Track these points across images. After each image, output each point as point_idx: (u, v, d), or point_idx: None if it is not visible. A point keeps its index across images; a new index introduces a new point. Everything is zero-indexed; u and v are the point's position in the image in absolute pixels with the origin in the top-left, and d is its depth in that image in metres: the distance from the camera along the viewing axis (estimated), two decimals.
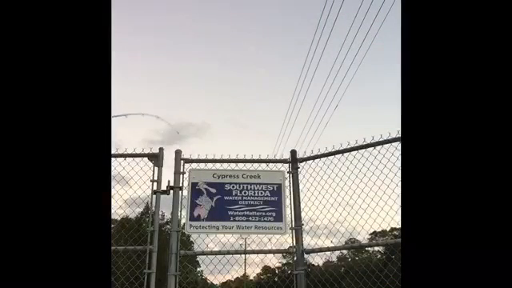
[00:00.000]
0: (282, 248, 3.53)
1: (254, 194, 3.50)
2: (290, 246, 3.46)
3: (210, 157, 3.64)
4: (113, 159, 3.51)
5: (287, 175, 3.64)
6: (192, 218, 3.39)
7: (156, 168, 3.54)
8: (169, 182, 3.53)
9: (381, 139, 3.39)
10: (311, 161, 3.66)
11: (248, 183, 3.53)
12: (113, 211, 3.49)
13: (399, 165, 3.17)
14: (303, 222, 3.49)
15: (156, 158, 3.57)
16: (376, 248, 28.03)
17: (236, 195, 3.49)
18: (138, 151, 3.63)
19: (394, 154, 3.31)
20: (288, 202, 3.52)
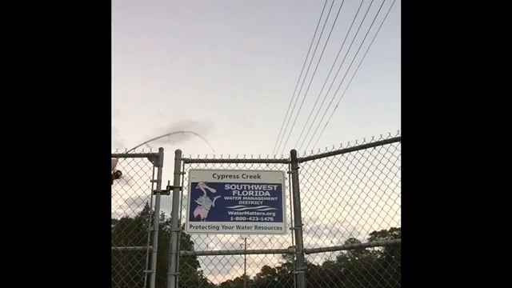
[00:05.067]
0: (282, 248, 3.53)
1: (254, 194, 3.50)
2: (290, 246, 3.46)
3: (210, 157, 3.64)
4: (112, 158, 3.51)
5: (287, 175, 3.64)
6: (192, 218, 3.39)
7: (156, 168, 3.55)
8: (169, 182, 3.53)
9: (381, 139, 3.40)
10: (311, 161, 3.67)
11: (248, 183, 3.54)
12: (113, 211, 3.49)
13: (399, 165, 3.18)
14: (303, 222, 3.49)
15: (156, 158, 3.57)
16: (376, 248, 28.05)
17: (236, 195, 3.49)
18: (138, 151, 3.63)
19: (393, 154, 3.32)
20: (288, 202, 3.53)
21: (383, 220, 3.29)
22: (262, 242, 3.49)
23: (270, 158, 3.70)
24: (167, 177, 3.57)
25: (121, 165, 3.59)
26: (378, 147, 3.42)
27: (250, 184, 3.53)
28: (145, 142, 3.64)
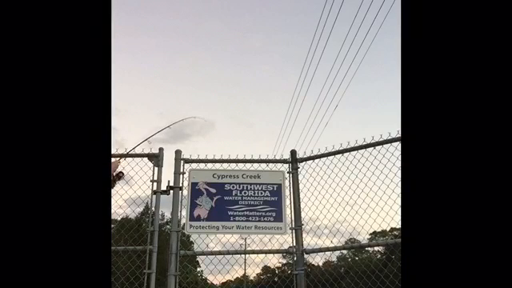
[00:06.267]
0: (282, 248, 3.53)
1: (254, 194, 3.50)
2: (290, 246, 3.46)
3: (211, 157, 3.64)
4: (112, 159, 3.51)
5: (287, 175, 3.64)
6: (192, 218, 3.39)
7: (156, 168, 3.55)
8: (169, 182, 3.53)
9: (381, 139, 3.39)
10: (311, 161, 3.67)
11: (248, 183, 3.53)
12: (113, 211, 3.49)
13: (399, 165, 3.18)
14: (303, 222, 3.49)
15: (156, 158, 3.57)
16: (376, 248, 28.04)
17: (236, 195, 3.49)
18: (138, 151, 3.63)
19: (393, 154, 3.32)
20: (288, 202, 3.53)
21: (383, 220, 3.29)
22: (262, 242, 3.49)
23: (270, 157, 3.70)
24: (167, 177, 3.57)
25: (121, 165, 3.58)
26: (378, 147, 3.42)
27: (250, 184, 3.53)
28: (147, 139, 3.64)
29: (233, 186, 3.52)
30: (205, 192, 3.48)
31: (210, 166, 3.62)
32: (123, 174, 3.41)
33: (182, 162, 3.61)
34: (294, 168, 3.67)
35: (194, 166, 3.62)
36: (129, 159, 3.62)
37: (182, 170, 3.58)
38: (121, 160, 3.50)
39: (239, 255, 3.54)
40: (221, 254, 3.40)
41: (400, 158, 3.11)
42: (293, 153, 3.74)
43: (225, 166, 3.65)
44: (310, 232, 3.60)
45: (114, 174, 3.30)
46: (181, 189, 3.52)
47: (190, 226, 3.37)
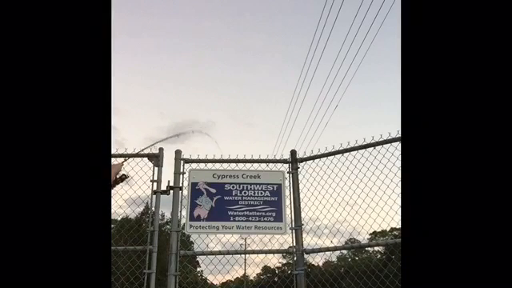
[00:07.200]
0: (282, 248, 3.53)
1: (254, 194, 3.50)
2: (290, 246, 3.46)
3: (211, 157, 3.64)
4: (113, 159, 3.51)
5: (287, 175, 3.64)
6: (192, 218, 3.39)
7: (156, 168, 3.54)
8: (169, 182, 3.53)
9: (381, 139, 3.40)
10: (311, 161, 3.67)
11: (248, 183, 3.53)
12: (113, 211, 3.49)
13: (399, 165, 3.18)
14: (303, 222, 3.49)
15: (156, 158, 3.57)
16: (376, 248, 28.03)
17: (236, 195, 3.49)
18: (138, 150, 3.62)
19: (393, 154, 3.32)
20: (288, 202, 3.53)
21: (383, 220, 3.29)
22: (262, 242, 3.49)
23: (270, 157, 3.70)
24: (167, 177, 3.57)
25: (123, 167, 3.56)
26: (378, 147, 3.42)
27: (250, 184, 3.53)
28: (153, 144, 3.63)
29: (233, 186, 3.52)
30: (205, 192, 3.48)
31: (209, 166, 3.62)
32: (126, 176, 3.38)
33: (181, 162, 3.61)
34: (294, 168, 3.67)
35: (194, 165, 3.63)
36: (129, 159, 3.61)
37: (182, 170, 3.58)
38: (124, 163, 3.48)
39: (239, 255, 3.54)
40: (221, 254, 3.40)
41: (400, 157, 3.11)
42: (293, 153, 3.74)
43: (225, 166, 3.65)
44: (310, 232, 3.60)
45: (117, 176, 3.29)
46: (181, 189, 3.52)
47: (190, 226, 3.37)
